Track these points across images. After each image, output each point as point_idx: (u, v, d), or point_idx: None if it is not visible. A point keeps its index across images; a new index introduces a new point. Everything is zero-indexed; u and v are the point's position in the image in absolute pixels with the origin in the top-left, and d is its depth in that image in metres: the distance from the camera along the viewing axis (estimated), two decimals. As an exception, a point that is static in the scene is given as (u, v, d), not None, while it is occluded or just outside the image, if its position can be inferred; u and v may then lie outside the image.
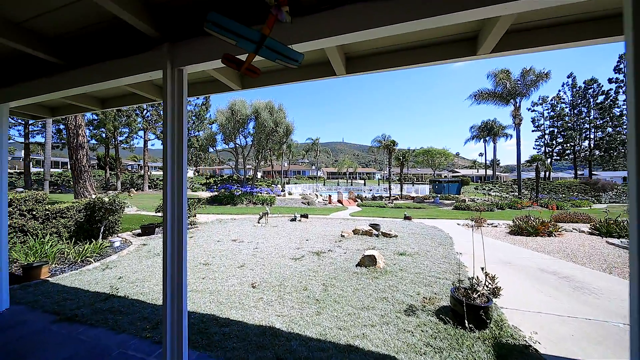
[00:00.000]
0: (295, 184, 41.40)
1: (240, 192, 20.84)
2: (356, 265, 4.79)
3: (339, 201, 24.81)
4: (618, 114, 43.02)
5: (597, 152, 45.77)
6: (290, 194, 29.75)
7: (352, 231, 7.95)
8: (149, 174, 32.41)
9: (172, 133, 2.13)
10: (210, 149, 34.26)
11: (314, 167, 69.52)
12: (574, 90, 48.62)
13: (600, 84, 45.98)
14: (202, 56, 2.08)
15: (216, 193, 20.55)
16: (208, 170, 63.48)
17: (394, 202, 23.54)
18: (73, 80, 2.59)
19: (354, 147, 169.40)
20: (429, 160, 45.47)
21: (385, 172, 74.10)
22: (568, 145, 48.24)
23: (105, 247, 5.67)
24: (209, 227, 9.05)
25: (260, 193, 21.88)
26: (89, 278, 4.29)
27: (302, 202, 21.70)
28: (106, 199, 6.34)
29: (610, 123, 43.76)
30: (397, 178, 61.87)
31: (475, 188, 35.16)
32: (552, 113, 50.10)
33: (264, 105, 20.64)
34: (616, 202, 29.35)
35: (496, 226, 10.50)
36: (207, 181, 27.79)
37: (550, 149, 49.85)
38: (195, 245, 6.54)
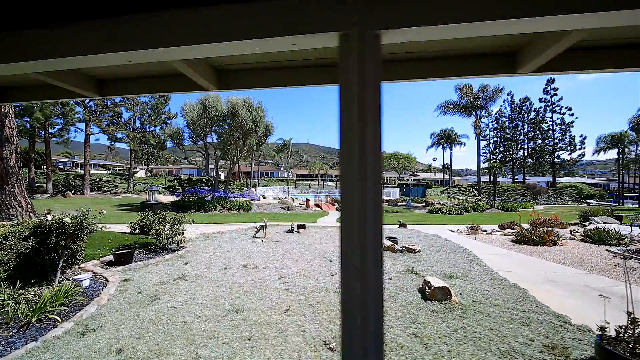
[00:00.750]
0: (265, 186, 39.37)
1: (212, 197, 18.59)
2: (425, 299, 4.10)
3: (317, 205, 24.09)
4: (546, 128, 50.91)
5: (529, 160, 53.58)
6: (264, 197, 28.03)
7: (373, 247, 7.29)
8: (89, 173, 27.24)
9: (362, 132, 1.11)
10: (169, 146, 30.29)
11: (282, 169, 67.39)
12: (512, 106, 56.15)
13: (532, 102, 53.88)
14: (418, 16, 1.12)
15: (182, 198, 17.94)
16: (163, 170, 56.84)
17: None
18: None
19: (320, 149, 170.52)
20: (394, 164, 47.83)
21: None
22: (508, 153, 55.48)
23: (73, 291, 3.95)
24: (200, 247, 7.45)
25: (236, 198, 19.90)
26: None
27: (280, 207, 20.40)
28: (68, 220, 4.52)
29: (540, 136, 51.52)
30: None
31: (441, 192, 37.84)
32: (495, 125, 57.10)
33: (242, 103, 18.78)
34: (548, 204, 34.54)
35: (490, 233, 10.96)
36: (171, 184, 24.42)
37: (494, 157, 56.74)
38: (199, 277, 5.10)
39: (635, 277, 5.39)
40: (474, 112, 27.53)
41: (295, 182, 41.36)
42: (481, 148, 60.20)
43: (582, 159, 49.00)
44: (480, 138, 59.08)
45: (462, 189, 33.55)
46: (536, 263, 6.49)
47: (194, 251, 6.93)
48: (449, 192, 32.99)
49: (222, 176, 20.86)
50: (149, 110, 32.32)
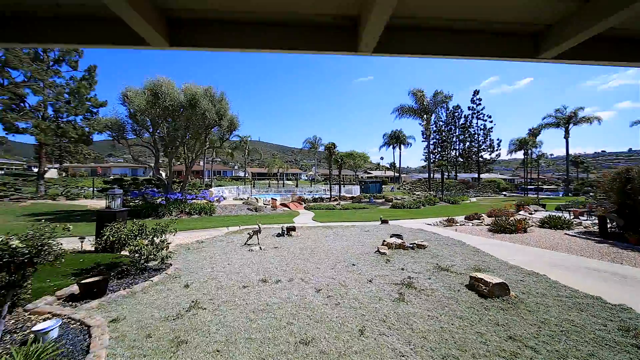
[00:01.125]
0: (219, 186, 36.08)
1: (167, 200, 15.92)
2: (483, 297, 4.02)
3: (284, 205, 23.21)
4: (473, 132, 59.93)
5: (460, 160, 62.48)
6: (224, 198, 25.60)
7: (386, 245, 7.10)
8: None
9: None
10: (92, 139, 24.54)
11: (236, 167, 62.86)
12: (447, 112, 64.44)
13: (462, 110, 62.72)
14: None
15: (126, 201, 14.80)
16: (83, 169, 46.92)
17: (340, 203, 23.94)
18: None
19: (273, 147, 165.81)
20: (350, 162, 49.80)
21: (312, 173, 75.99)
22: (444, 153, 63.55)
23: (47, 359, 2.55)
24: (190, 262, 6.07)
25: (196, 200, 17.52)
26: None
27: (247, 209, 18.89)
28: (17, 243, 2.97)
29: (468, 138, 60.42)
30: (324, 179, 64.49)
31: (397, 188, 40.81)
32: (434, 128, 64.67)
33: (203, 92, 16.53)
34: (478, 196, 40.69)
35: (463, 224, 12.08)
36: (107, 185, 20.01)
37: (434, 156, 64.33)
38: (217, 301, 4.01)
39: (622, 259, 6.46)
40: (425, 116, 30.38)
41: (253, 182, 39.07)
42: (424, 148, 67.38)
43: (498, 158, 59.24)
44: (424, 139, 66.44)
45: (415, 185, 37.06)
46: (526, 249, 7.28)
47: (186, 268, 5.58)
48: (405, 188, 35.81)
49: (164, 175, 17.97)
50: (66, 96, 26.10)
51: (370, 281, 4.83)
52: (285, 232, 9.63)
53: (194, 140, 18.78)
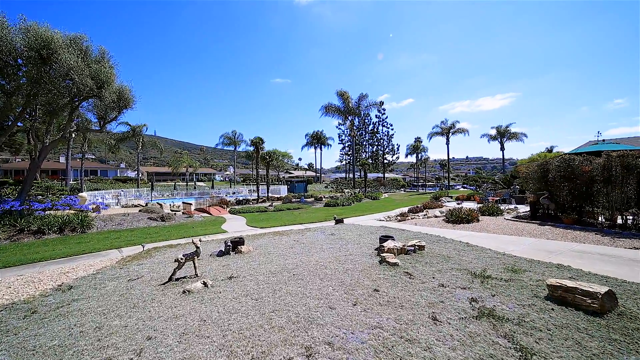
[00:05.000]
0: (96, 190, 26.04)
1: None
2: (592, 314, 2.90)
3: (202, 210, 18.67)
4: (379, 137, 68.43)
5: (370, 161, 70.41)
6: (106, 206, 18.18)
7: (387, 251, 5.46)
8: None
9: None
10: None
11: (122, 166, 47.67)
12: (359, 118, 71.22)
13: (371, 117, 70.74)
14: None
15: None
16: None
17: (273, 204, 21.30)
18: None
19: (174, 144, 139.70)
20: (274, 161, 47.16)
21: (228, 172, 67.46)
22: (357, 154, 69.94)
23: None
24: (44, 335, 2.54)
25: (57, 210, 11.07)
26: None
27: (149, 218, 13.75)
28: None
29: (376, 143, 68.65)
30: (243, 180, 58.34)
31: (325, 187, 41.08)
32: (349, 131, 70.25)
33: (66, 41, 10.54)
34: (388, 192, 46.34)
35: (414, 218, 12.10)
36: None
37: (348, 157, 69.83)
38: None
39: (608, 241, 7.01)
40: (349, 117, 31.55)
41: (152, 184, 30.49)
42: (340, 150, 72.06)
43: (397, 160, 69.96)
44: (339, 142, 71.00)
45: (340, 183, 38.26)
46: (500, 238, 7.28)
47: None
48: (332, 187, 36.21)
49: (29, 174, 10.62)
50: None
51: (434, 320, 3.03)
52: (231, 249, 6.61)
53: (48, 118, 12.09)
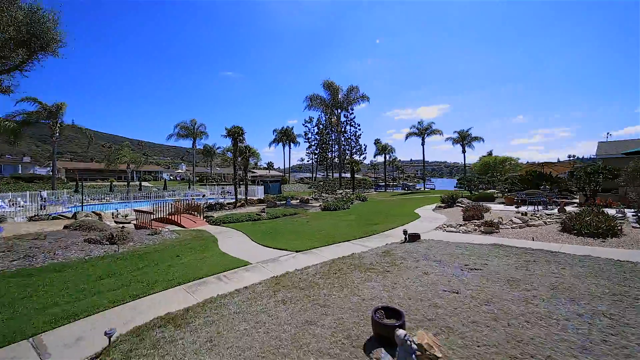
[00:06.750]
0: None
1: None
2: None
3: (169, 220, 13.11)
4: (347, 136, 67.34)
5: (336, 160, 68.76)
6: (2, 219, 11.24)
7: None
8: None
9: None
10: None
11: (26, 160, 34.38)
12: (326, 117, 69.06)
13: (336, 117, 69.24)
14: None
15: None
16: None
17: (264, 210, 16.68)
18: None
19: (101, 137, 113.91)
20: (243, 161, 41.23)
21: (180, 171, 56.77)
22: (324, 154, 67.57)
23: None
24: None
25: None
26: None
27: (88, 240, 8.33)
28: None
29: (343, 142, 67.33)
30: (199, 178, 49.65)
31: (309, 187, 38.12)
32: (316, 130, 67.41)
33: None
34: (365, 193, 45.04)
35: (503, 228, 9.48)
36: None
37: (316, 156, 66.98)
38: None
39: None
40: (336, 111, 28.56)
41: (82, 184, 21.90)
42: (306, 148, 68.82)
43: (364, 160, 70.13)
44: (305, 140, 67.47)
45: (332, 183, 34.73)
46: None
47: None
48: (316, 187, 32.57)
49: None
50: None
51: None
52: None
53: None
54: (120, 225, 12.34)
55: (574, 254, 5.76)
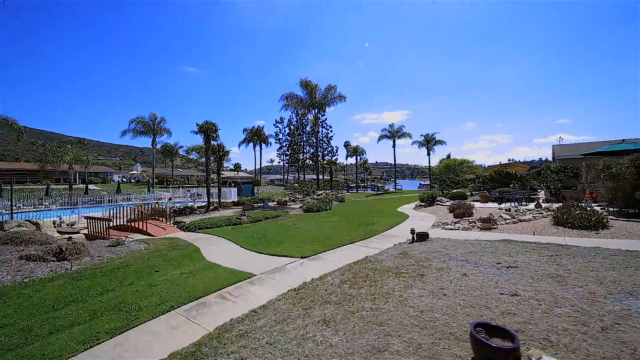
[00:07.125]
0: None
1: None
2: None
3: (133, 228, 11.15)
4: (320, 138, 67.16)
5: (309, 162, 68.06)
6: None
7: None
8: None
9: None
10: None
11: None
12: (297, 118, 68.06)
13: (308, 118, 68.72)
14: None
15: None
16: None
17: (245, 213, 15.28)
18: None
19: (32, 134, 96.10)
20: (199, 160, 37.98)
21: (135, 172, 50.19)
22: (296, 155, 66.36)
23: None
24: None
25: None
26: None
27: (21, 257, 6.46)
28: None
29: (315, 144, 66.95)
30: (158, 180, 44.52)
31: (285, 189, 36.54)
32: (287, 130, 65.90)
33: None
34: (340, 193, 45.15)
35: (499, 223, 9.63)
36: None
37: (287, 157, 65.35)
38: None
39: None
40: (314, 110, 27.96)
41: (11, 187, 17.67)
42: (277, 149, 66.94)
43: (337, 162, 70.61)
44: (275, 141, 65.56)
45: (295, 184, 33.52)
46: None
47: None
48: (294, 188, 31.30)
49: None
50: None
51: None
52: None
53: None
54: (67, 235, 10.06)
55: (584, 246, 5.93)
